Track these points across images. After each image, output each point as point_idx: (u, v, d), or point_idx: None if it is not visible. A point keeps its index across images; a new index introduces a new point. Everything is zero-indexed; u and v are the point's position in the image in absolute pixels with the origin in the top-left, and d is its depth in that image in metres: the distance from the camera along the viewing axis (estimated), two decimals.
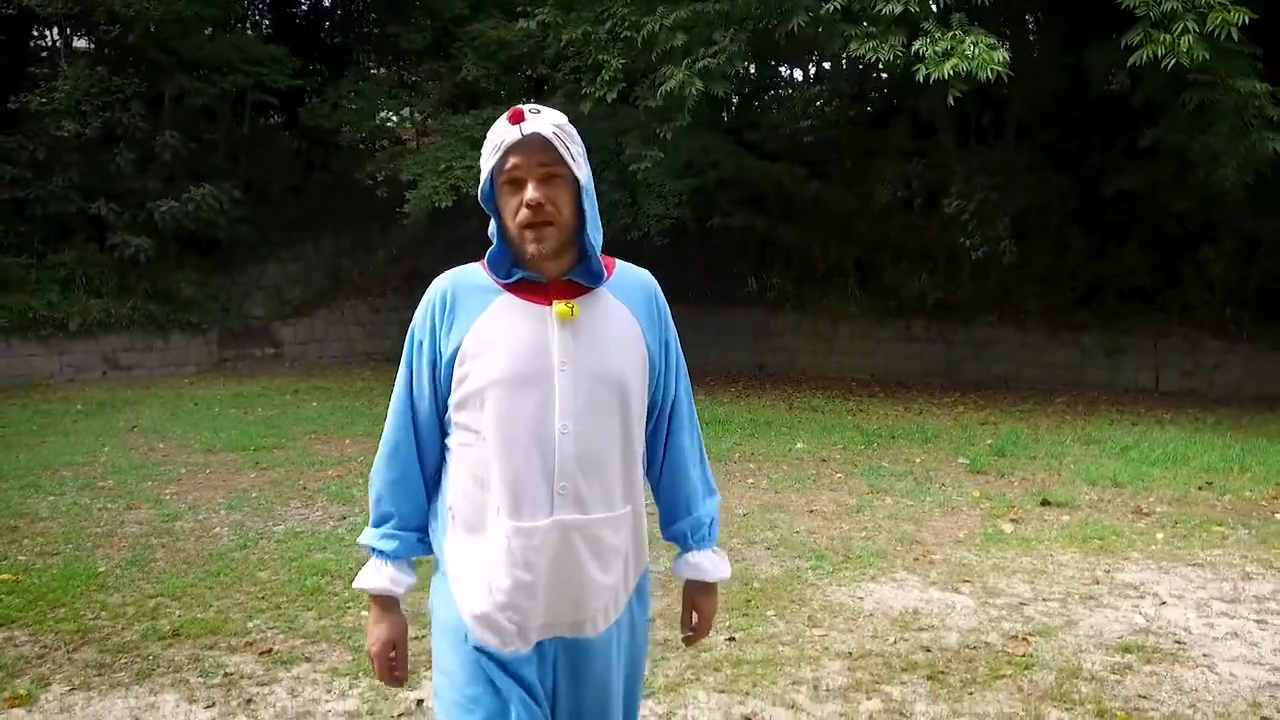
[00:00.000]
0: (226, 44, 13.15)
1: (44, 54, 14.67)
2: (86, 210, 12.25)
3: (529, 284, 1.66)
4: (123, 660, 3.48)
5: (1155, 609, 4.10)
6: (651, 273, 1.80)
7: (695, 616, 1.89)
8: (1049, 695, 3.24)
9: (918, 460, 7.28)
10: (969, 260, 11.81)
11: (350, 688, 3.24)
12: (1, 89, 12.71)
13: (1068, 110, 11.62)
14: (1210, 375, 11.20)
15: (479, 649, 1.62)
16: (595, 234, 1.67)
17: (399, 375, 1.74)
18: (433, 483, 1.75)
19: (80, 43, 14.58)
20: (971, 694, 3.25)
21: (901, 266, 12.99)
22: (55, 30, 14.50)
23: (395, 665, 1.75)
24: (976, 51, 7.48)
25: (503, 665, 1.62)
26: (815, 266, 13.65)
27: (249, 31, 15.55)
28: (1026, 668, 3.47)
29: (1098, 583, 4.45)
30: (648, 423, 1.79)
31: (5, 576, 4.40)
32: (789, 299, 13.63)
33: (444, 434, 1.72)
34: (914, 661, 3.52)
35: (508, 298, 1.66)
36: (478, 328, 1.64)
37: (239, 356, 13.43)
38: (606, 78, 9.56)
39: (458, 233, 13.72)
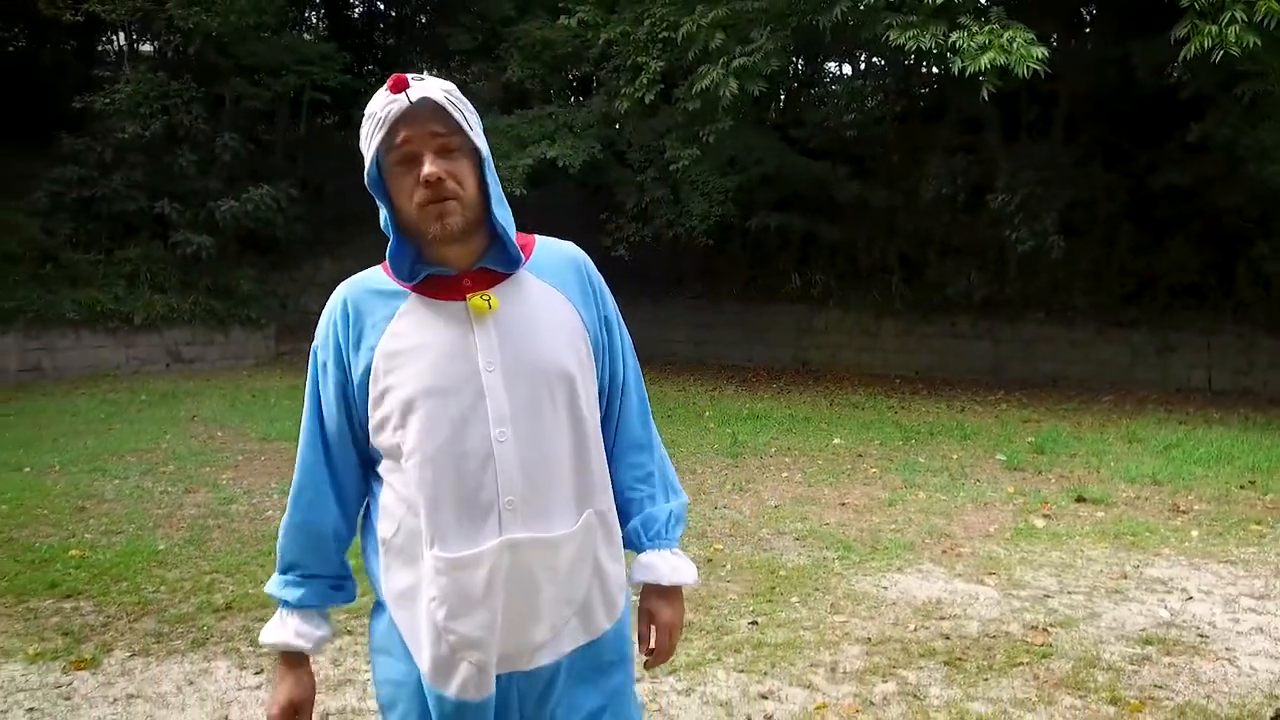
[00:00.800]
0: (278, 46, 13.57)
1: (110, 59, 15.26)
2: (151, 209, 12.78)
3: (438, 280, 1.45)
4: (179, 630, 3.72)
5: (1181, 604, 4.12)
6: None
7: (653, 631, 1.59)
8: (1064, 683, 3.30)
9: (955, 457, 7.30)
10: (1016, 257, 11.73)
11: None
12: (70, 92, 13.30)
13: (1117, 105, 11.47)
14: (1265, 374, 10.99)
15: (439, 699, 1.43)
16: (503, 211, 1.46)
17: (305, 405, 1.53)
18: (350, 524, 1.55)
19: (146, 47, 15.17)
20: (987, 680, 3.33)
21: (947, 263, 12.94)
22: (121, 36, 15.11)
23: None
24: (1015, 46, 7.45)
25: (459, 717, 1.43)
26: (859, 263, 13.64)
27: (305, 35, 16.01)
28: (1044, 656, 3.53)
29: (1125, 577, 4.46)
30: (602, 404, 1.60)
31: (74, 552, 4.69)
32: (832, 295, 13.64)
33: (371, 462, 1.53)
34: (932, 648, 3.60)
35: (415, 299, 1.45)
36: (387, 339, 1.44)
37: (295, 350, 13.85)
38: (645, 80, 9.71)
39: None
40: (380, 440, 1.47)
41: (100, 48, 16.27)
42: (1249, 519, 5.47)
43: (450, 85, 1.43)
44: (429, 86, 1.40)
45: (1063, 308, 12.32)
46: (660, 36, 9.65)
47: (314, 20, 17.23)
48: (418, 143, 1.38)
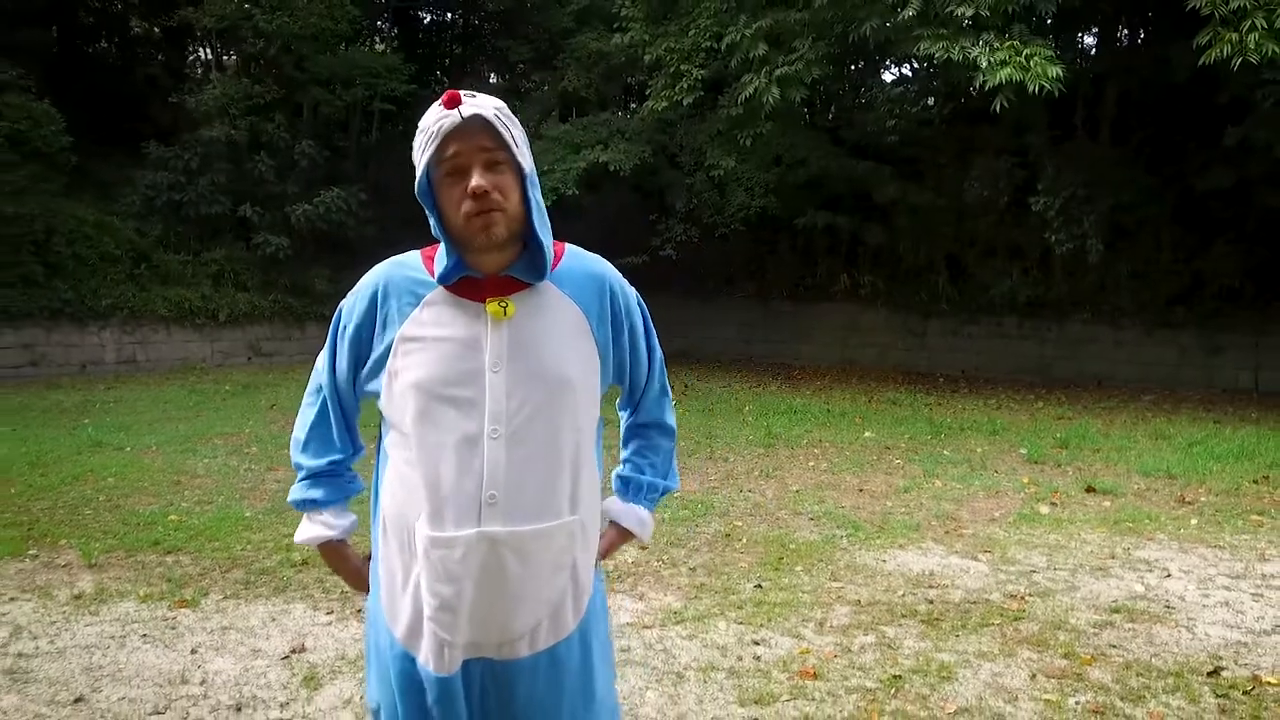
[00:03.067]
0: (347, 60, 14.43)
1: (197, 73, 16.38)
2: (233, 212, 13.73)
3: (466, 280, 1.57)
4: (263, 579, 4.35)
5: (1159, 580, 4.47)
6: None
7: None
8: (1026, 640, 3.71)
9: (979, 450, 7.63)
10: (1062, 258, 11.90)
11: None
12: (160, 103, 14.37)
13: (1163, 107, 11.57)
14: None
15: (405, 669, 1.58)
16: (542, 225, 1.56)
17: (322, 355, 1.71)
18: (353, 439, 1.75)
19: (228, 59, 16.23)
20: (958, 636, 3.75)
21: (993, 264, 13.14)
22: (207, 49, 16.19)
23: None
24: (1032, 64, 7.76)
25: (426, 691, 1.56)
26: (906, 264, 13.90)
27: (379, 45, 16.88)
28: (1016, 620, 3.94)
29: (1113, 558, 4.82)
30: (626, 394, 1.80)
31: (172, 518, 5.39)
32: (880, 296, 13.94)
33: (354, 419, 1.73)
34: (915, 610, 4.03)
35: (442, 293, 1.57)
36: (409, 325, 1.56)
37: None
38: (685, 85, 10.25)
39: (569, 232, 14.62)
40: (390, 415, 1.60)
41: (188, 57, 17.44)
42: (1251, 510, 5.74)
43: (501, 104, 1.52)
44: (481, 104, 1.49)
45: (1109, 309, 12.45)
46: (703, 47, 10.19)
47: (384, 27, 18.07)
48: (467, 156, 1.48)
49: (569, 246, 1.67)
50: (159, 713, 3.06)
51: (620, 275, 1.70)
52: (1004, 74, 7.84)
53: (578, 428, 1.58)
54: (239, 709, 3.08)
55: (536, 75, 15.25)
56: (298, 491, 1.73)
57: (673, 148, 13.46)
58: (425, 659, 1.55)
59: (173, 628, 3.78)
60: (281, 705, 3.11)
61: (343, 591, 4.16)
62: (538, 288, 1.58)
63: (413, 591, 1.56)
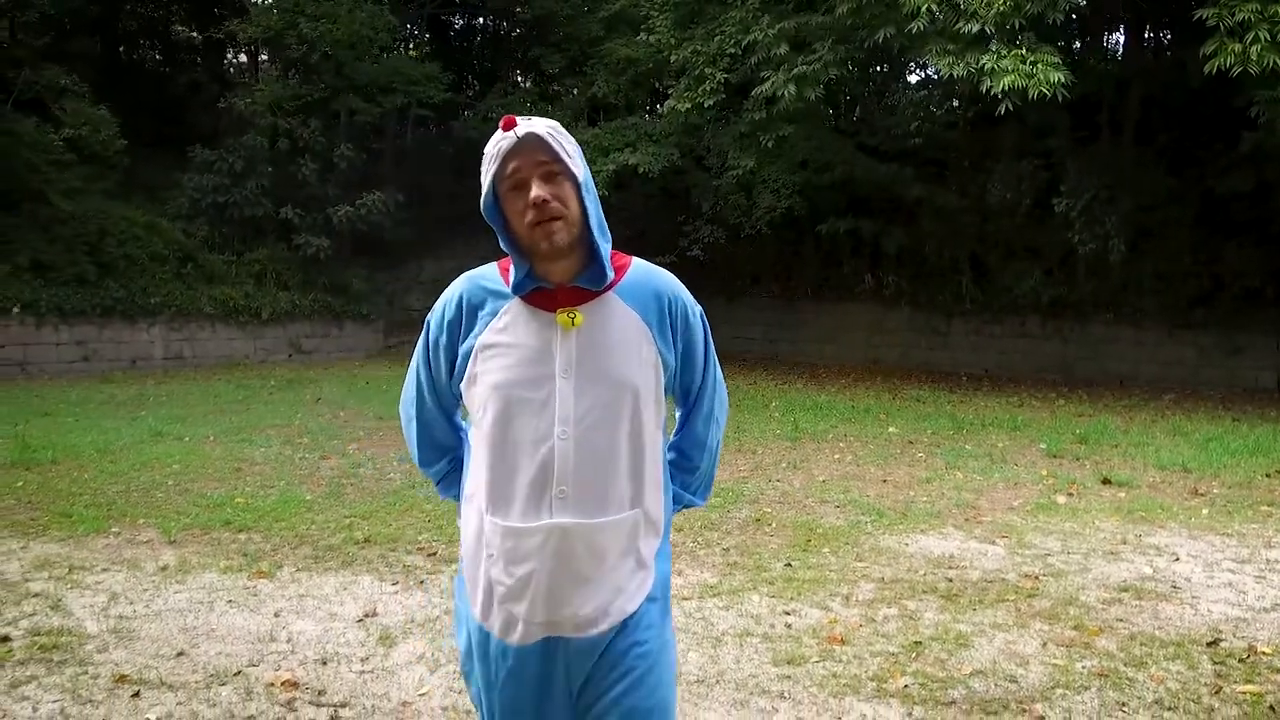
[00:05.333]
0: (388, 68, 14.87)
1: (243, 78, 16.91)
2: (276, 214, 14.20)
3: (539, 291, 1.70)
4: (331, 555, 4.72)
5: (1168, 564, 4.73)
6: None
7: None
8: (1039, 614, 4.00)
9: (1000, 445, 7.89)
10: (1084, 259, 12.09)
11: None
12: (201, 108, 14.87)
13: (1184, 111, 11.74)
14: None
15: (482, 639, 1.73)
16: (600, 232, 1.68)
17: (415, 357, 1.84)
18: (456, 433, 1.90)
19: (265, 66, 16.73)
20: (975, 610, 4.05)
21: (1017, 265, 13.34)
22: (245, 55, 16.71)
23: None
24: (1036, 70, 8.02)
25: (504, 660, 1.71)
26: (930, 264, 14.12)
27: (412, 51, 17.31)
28: (1030, 596, 4.23)
29: (1125, 543, 5.08)
30: (679, 407, 1.90)
31: (239, 500, 5.78)
32: (904, 296, 14.17)
33: (456, 413, 1.89)
34: (935, 587, 4.33)
35: (517, 303, 1.70)
36: (488, 333, 1.71)
37: (401, 343, 15.16)
38: (709, 88, 10.60)
39: None
40: (472, 414, 1.76)
41: (225, 64, 17.97)
42: (1262, 502, 5.98)
43: (554, 123, 1.68)
44: (534, 124, 1.64)
45: (1131, 309, 12.62)
46: (728, 52, 10.55)
47: (416, 33, 18.47)
48: (526, 170, 1.62)
49: (635, 260, 1.80)
50: (253, 665, 3.42)
51: (684, 290, 1.81)
52: (1007, 81, 8.11)
53: (640, 429, 1.70)
54: (324, 663, 3.44)
55: (567, 80, 15.64)
56: (441, 493, 2.00)
57: (699, 150, 13.79)
58: (499, 632, 1.71)
59: (254, 595, 4.15)
60: (362, 660, 3.47)
61: (405, 565, 4.53)
62: (604, 299, 1.71)
63: (485, 571, 1.71)
